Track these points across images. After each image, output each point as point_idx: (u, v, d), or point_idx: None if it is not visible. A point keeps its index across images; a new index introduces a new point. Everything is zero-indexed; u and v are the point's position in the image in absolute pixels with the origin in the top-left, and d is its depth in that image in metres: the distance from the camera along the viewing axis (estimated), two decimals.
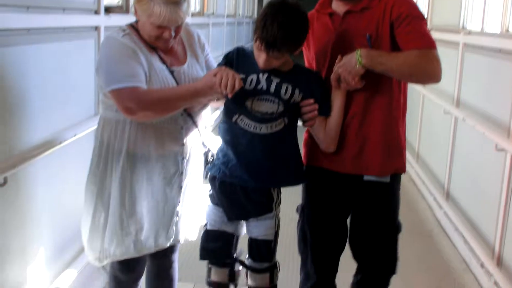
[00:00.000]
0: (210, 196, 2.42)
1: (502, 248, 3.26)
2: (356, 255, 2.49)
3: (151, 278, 2.57)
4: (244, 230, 2.44)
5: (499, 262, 3.28)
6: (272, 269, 2.42)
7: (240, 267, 2.45)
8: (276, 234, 2.40)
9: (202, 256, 2.43)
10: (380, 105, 2.28)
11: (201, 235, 2.43)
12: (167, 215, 2.31)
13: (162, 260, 2.54)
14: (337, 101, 2.27)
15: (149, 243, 2.30)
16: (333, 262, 2.53)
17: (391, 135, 2.32)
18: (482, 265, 3.47)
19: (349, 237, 2.48)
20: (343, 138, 2.31)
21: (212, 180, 2.37)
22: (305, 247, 2.52)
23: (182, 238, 2.42)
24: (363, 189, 2.35)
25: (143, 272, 2.49)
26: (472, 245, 3.70)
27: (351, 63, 2.16)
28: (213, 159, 2.40)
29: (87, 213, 2.30)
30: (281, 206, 2.39)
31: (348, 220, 2.49)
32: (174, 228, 2.34)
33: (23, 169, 2.42)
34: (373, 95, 2.27)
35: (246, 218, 2.39)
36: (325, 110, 2.28)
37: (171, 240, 2.36)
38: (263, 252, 2.40)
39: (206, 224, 2.43)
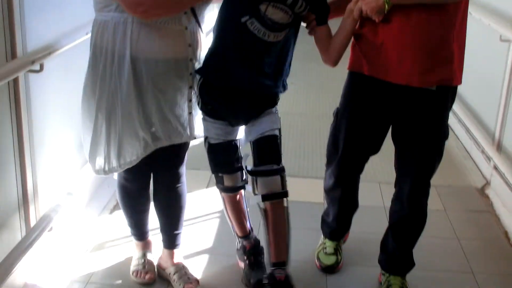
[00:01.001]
0: (204, 110, 2.33)
1: (502, 134, 3.46)
2: (398, 162, 2.44)
3: (157, 194, 2.55)
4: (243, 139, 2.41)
5: (499, 147, 3.49)
6: (282, 172, 2.34)
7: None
8: (280, 130, 2.34)
9: (214, 170, 2.45)
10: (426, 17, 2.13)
11: (206, 150, 2.40)
12: (178, 114, 2.27)
13: (170, 172, 2.50)
14: (349, 26, 2.24)
15: (161, 140, 2.28)
16: (360, 165, 2.54)
17: (435, 42, 2.16)
18: (482, 151, 3.68)
19: (394, 144, 2.41)
20: (384, 45, 2.20)
21: (207, 88, 2.27)
22: (334, 152, 2.49)
23: (197, 135, 2.38)
24: (406, 97, 2.26)
25: (149, 182, 2.50)
26: (473, 133, 3.89)
27: (378, 3, 2.10)
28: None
29: (87, 124, 2.25)
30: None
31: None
32: (187, 125, 2.32)
33: (58, 57, 2.52)
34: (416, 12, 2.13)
35: (248, 121, 2.34)
36: (321, 20, 2.27)
37: (186, 136, 2.33)
38: (271, 150, 2.33)
39: (207, 138, 2.37)
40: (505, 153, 3.40)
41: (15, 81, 2.29)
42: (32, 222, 2.47)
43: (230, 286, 2.60)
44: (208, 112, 2.32)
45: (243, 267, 2.62)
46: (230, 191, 2.51)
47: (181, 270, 2.56)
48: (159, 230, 2.64)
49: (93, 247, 2.86)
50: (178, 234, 2.62)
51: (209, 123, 2.34)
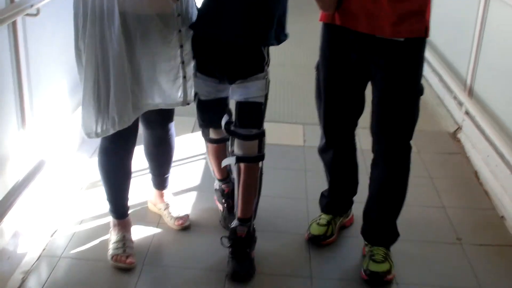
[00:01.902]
0: (197, 65, 2.31)
1: (474, 80, 3.64)
2: (375, 123, 2.37)
3: (149, 146, 2.59)
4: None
5: (470, 92, 3.67)
6: (261, 137, 2.36)
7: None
8: (266, 97, 2.33)
9: (203, 126, 2.52)
10: None
11: (196, 104, 2.39)
12: (170, 76, 2.26)
13: (159, 129, 2.53)
14: None
15: (149, 104, 2.27)
16: (345, 124, 2.48)
17: None
18: (454, 97, 3.87)
19: (371, 102, 2.35)
20: None
21: (198, 41, 2.27)
22: (320, 105, 2.47)
23: (191, 100, 2.37)
24: (377, 48, 2.23)
25: (134, 145, 2.41)
26: (446, 80, 4.07)
27: None
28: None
29: (82, 85, 2.19)
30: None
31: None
32: (182, 89, 2.31)
33: (54, 2, 2.59)
34: None
35: (235, 79, 2.29)
36: None
37: (180, 100, 2.33)
38: (253, 115, 2.33)
39: (196, 95, 2.36)
40: (476, 98, 3.59)
41: (14, 24, 2.38)
42: (29, 162, 2.58)
43: (217, 220, 2.75)
44: (200, 67, 2.30)
45: (221, 209, 2.73)
46: (215, 142, 2.58)
47: (170, 206, 2.72)
48: (147, 171, 2.75)
49: (86, 187, 2.97)
50: (167, 176, 2.74)
51: (200, 80, 2.32)
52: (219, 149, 2.61)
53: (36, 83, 2.62)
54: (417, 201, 2.90)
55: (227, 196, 2.71)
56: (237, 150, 2.37)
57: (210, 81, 2.31)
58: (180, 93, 2.31)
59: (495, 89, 3.38)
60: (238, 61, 2.26)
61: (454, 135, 3.73)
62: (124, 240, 2.47)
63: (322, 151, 2.59)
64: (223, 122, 2.38)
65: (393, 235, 2.48)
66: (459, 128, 3.74)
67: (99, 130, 2.20)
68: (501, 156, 3.07)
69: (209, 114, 2.43)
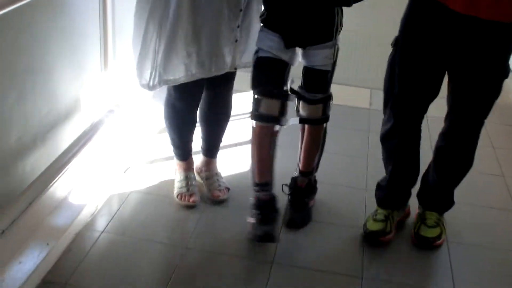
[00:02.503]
0: (265, 20, 2.26)
1: None
2: (451, 96, 2.28)
3: (206, 106, 2.54)
4: (298, 60, 2.32)
5: None
6: (326, 100, 2.35)
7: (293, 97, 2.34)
8: (334, 64, 2.30)
9: (255, 85, 2.28)
10: None
11: (253, 64, 2.28)
12: (226, 38, 2.25)
13: (218, 88, 2.49)
14: None
15: (205, 68, 2.27)
16: (417, 108, 2.34)
17: None
18: None
19: (448, 84, 2.27)
20: None
21: (272, 1, 2.23)
22: (391, 85, 2.31)
23: (240, 64, 2.35)
24: (471, 30, 2.08)
25: (199, 101, 2.47)
26: None
27: None
28: None
29: (137, 34, 2.21)
30: None
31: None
32: (232, 53, 2.29)
33: None
34: None
35: (304, 45, 2.26)
36: None
37: (229, 65, 2.31)
38: (319, 82, 2.32)
39: (257, 51, 2.27)
40: None
41: None
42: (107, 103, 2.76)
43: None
44: (269, 23, 2.24)
45: (252, 221, 2.36)
46: (264, 119, 2.29)
47: (213, 177, 2.65)
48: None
49: (158, 131, 3.08)
50: (219, 144, 2.69)
51: (264, 33, 2.25)
52: (266, 133, 2.33)
53: (119, 29, 2.80)
54: (476, 167, 2.90)
55: (263, 206, 2.36)
56: (302, 111, 2.39)
57: (274, 36, 2.22)
58: (230, 57, 2.30)
59: None
60: (309, 25, 2.21)
61: None
62: (188, 179, 2.59)
63: (387, 137, 2.41)
64: (288, 84, 2.32)
65: (449, 203, 2.48)
66: None
67: (151, 83, 2.25)
68: None
69: (266, 73, 2.27)
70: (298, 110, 2.41)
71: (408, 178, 2.48)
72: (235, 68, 2.36)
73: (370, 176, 2.84)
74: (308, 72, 2.31)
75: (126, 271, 2.20)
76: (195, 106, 2.48)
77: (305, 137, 2.49)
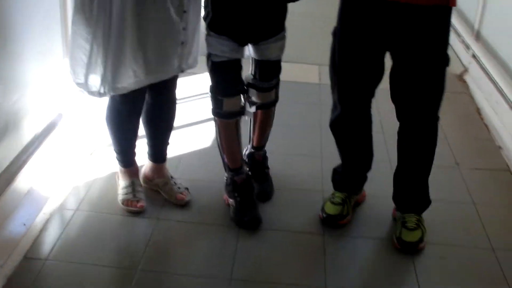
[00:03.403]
0: (211, 24, 2.26)
1: (481, 24, 3.86)
2: (394, 94, 2.30)
3: (150, 110, 2.47)
4: (246, 52, 2.36)
5: (478, 36, 3.90)
6: (277, 83, 2.48)
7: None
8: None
9: (215, 89, 2.36)
10: None
11: (208, 69, 2.33)
12: (173, 41, 2.23)
13: (162, 91, 2.44)
14: None
15: (153, 72, 2.24)
16: (362, 93, 2.36)
17: None
18: (462, 41, 4.09)
19: (390, 73, 2.29)
20: None
21: (219, 3, 2.24)
22: (334, 74, 2.36)
23: (185, 67, 2.34)
24: (403, 15, 2.13)
25: (142, 106, 2.42)
26: (454, 24, 4.28)
27: None
28: None
29: (81, 43, 2.15)
30: None
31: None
32: (179, 55, 2.27)
33: None
34: None
35: (258, 41, 2.31)
36: None
37: (176, 68, 2.30)
38: (274, 71, 2.43)
39: (210, 56, 2.30)
40: (483, 41, 3.81)
41: None
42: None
43: (218, 220, 2.54)
44: (216, 27, 2.26)
45: (233, 203, 2.50)
46: (228, 116, 2.41)
47: (170, 181, 2.59)
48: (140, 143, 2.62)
49: (96, 151, 2.96)
50: (166, 148, 2.63)
51: (214, 38, 2.27)
52: (232, 127, 2.46)
53: None
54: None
55: (241, 189, 2.50)
56: (256, 99, 2.46)
57: (224, 40, 2.25)
58: (177, 60, 2.28)
59: (501, 33, 3.60)
60: (262, 21, 2.27)
61: (460, 77, 3.97)
62: (134, 185, 2.51)
63: (336, 123, 2.45)
64: (247, 78, 2.42)
65: (425, 202, 2.45)
66: (466, 70, 3.98)
67: (102, 90, 2.20)
68: (502, 94, 3.31)
69: (223, 77, 2.34)
70: (249, 98, 2.46)
71: (362, 163, 2.55)
72: (182, 71, 2.35)
73: (325, 145, 3.02)
74: (262, 64, 2.39)
75: (102, 241, 2.32)
76: (139, 110, 2.42)
77: (258, 120, 2.61)
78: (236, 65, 2.34)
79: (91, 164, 2.83)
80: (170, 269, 2.24)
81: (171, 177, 2.63)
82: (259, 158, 2.72)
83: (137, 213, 2.47)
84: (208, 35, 2.29)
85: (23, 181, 2.50)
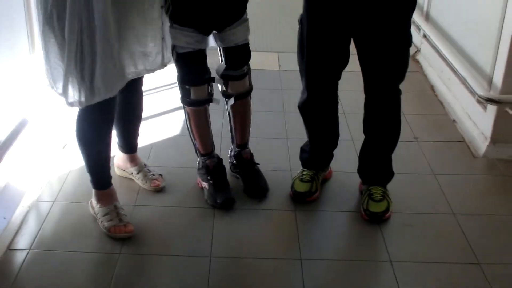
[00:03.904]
0: (173, 16, 2.28)
1: (429, 5, 4.04)
2: (364, 71, 2.41)
3: (120, 105, 2.37)
4: (211, 41, 2.38)
5: (427, 17, 4.07)
6: (249, 72, 2.50)
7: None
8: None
9: (182, 82, 2.43)
10: None
11: (174, 60, 2.38)
12: (154, 37, 2.24)
13: (134, 91, 2.46)
14: None
15: (138, 70, 2.24)
16: (329, 77, 2.46)
17: None
18: (413, 22, 4.26)
19: (358, 54, 2.38)
20: None
21: None
22: (302, 60, 2.44)
23: (167, 61, 2.36)
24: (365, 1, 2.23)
25: (115, 109, 2.31)
26: None
27: None
28: None
29: (54, 51, 2.07)
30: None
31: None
32: (161, 51, 2.28)
33: None
34: None
35: (221, 28, 2.34)
36: None
37: (159, 63, 2.31)
38: (243, 56, 2.44)
39: (174, 47, 2.33)
40: (432, 22, 3.99)
41: None
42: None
43: (194, 203, 2.62)
44: (179, 18, 2.28)
45: (207, 187, 2.59)
46: (197, 104, 2.48)
47: (143, 168, 2.64)
48: None
49: (68, 144, 2.97)
50: (137, 138, 2.65)
51: (177, 30, 2.29)
52: (201, 114, 2.53)
53: None
54: None
55: (213, 172, 2.60)
56: (231, 90, 2.48)
57: (189, 31, 2.29)
58: (159, 56, 2.29)
59: (448, 12, 3.78)
60: (224, 7, 2.31)
61: (413, 57, 4.14)
62: (117, 209, 2.37)
63: (304, 106, 2.55)
64: (218, 72, 2.45)
65: (389, 173, 2.59)
66: (418, 51, 4.15)
67: (83, 99, 2.11)
68: (453, 70, 3.47)
69: (189, 68, 2.39)
70: (225, 92, 2.50)
71: (328, 142, 2.66)
72: (165, 65, 2.35)
73: (289, 127, 3.18)
74: (231, 51, 2.40)
75: (81, 229, 2.39)
76: (112, 118, 2.31)
77: (237, 114, 2.59)
78: (201, 55, 2.38)
79: (64, 157, 2.87)
80: (152, 251, 2.31)
81: (145, 164, 2.67)
82: (246, 156, 2.69)
83: (128, 237, 2.33)
84: (171, 27, 2.30)
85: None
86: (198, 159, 2.65)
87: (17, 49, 2.75)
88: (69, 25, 1.99)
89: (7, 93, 2.70)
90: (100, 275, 2.18)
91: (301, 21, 2.41)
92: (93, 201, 2.43)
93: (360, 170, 2.64)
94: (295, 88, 2.78)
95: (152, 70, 2.31)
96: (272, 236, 2.43)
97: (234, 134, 2.68)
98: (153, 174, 2.64)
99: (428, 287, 2.17)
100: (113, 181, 2.47)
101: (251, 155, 2.71)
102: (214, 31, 2.36)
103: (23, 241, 2.32)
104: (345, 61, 2.42)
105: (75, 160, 2.82)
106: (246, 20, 2.40)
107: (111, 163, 2.48)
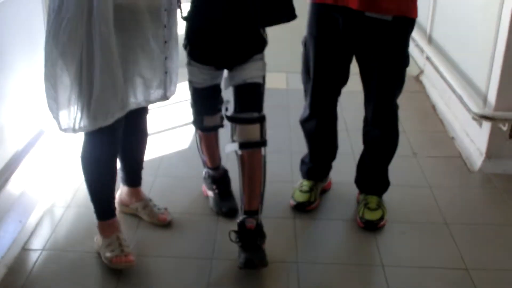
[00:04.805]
0: (191, 54, 2.33)
1: (432, 29, 4.19)
2: (364, 88, 2.55)
3: (125, 136, 2.34)
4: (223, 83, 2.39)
5: (430, 40, 4.22)
6: (262, 121, 2.30)
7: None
8: (264, 78, 2.32)
9: (196, 113, 2.51)
10: None
11: (190, 92, 2.46)
12: (158, 71, 2.22)
13: (138, 120, 2.42)
14: None
15: (132, 103, 2.20)
16: (332, 95, 2.61)
17: None
18: (416, 45, 4.41)
19: (359, 70, 2.52)
20: None
21: (195, 33, 2.28)
22: (308, 81, 2.58)
23: (169, 94, 2.33)
24: (365, 27, 2.35)
25: (119, 140, 2.29)
26: None
27: None
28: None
29: (52, 75, 2.06)
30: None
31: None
32: (163, 84, 2.27)
33: None
34: None
35: (234, 65, 2.29)
36: None
37: (161, 96, 2.29)
38: (252, 97, 2.30)
39: (191, 82, 2.41)
40: (434, 44, 4.13)
41: None
42: None
43: (199, 210, 2.74)
44: (196, 56, 2.33)
45: (212, 195, 2.70)
46: (208, 130, 2.58)
47: (149, 203, 2.60)
48: None
49: None
50: (141, 171, 2.61)
51: (195, 68, 2.35)
52: (212, 138, 2.64)
53: None
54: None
55: (219, 181, 2.70)
56: (239, 137, 2.30)
57: (205, 69, 2.33)
58: (161, 89, 2.28)
59: (449, 36, 3.92)
60: (237, 46, 2.27)
61: (417, 78, 4.28)
62: (119, 240, 2.33)
63: (305, 121, 2.70)
64: (223, 110, 2.39)
65: (385, 184, 2.72)
66: (422, 72, 4.29)
67: (77, 126, 2.10)
68: (453, 90, 3.60)
69: (204, 101, 2.47)
70: (232, 137, 2.34)
71: (327, 154, 2.79)
72: (167, 98, 2.33)
73: (294, 142, 3.31)
74: (241, 89, 2.29)
75: (92, 232, 2.47)
76: (117, 147, 2.30)
77: (246, 171, 2.35)
78: (216, 89, 2.45)
79: (77, 167, 3.01)
80: (157, 252, 2.45)
81: (150, 199, 2.62)
82: (250, 226, 2.34)
83: (129, 267, 2.31)
84: (188, 64, 2.37)
85: (16, 184, 2.70)
86: (205, 169, 2.76)
87: (35, 60, 2.88)
88: (71, 56, 2.01)
89: (26, 104, 2.87)
90: (107, 276, 2.32)
91: (305, 44, 2.54)
92: (97, 232, 2.40)
93: (357, 180, 2.77)
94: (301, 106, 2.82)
95: (152, 102, 2.30)
96: (271, 240, 2.48)
97: (242, 195, 2.38)
98: (158, 209, 2.60)
99: None
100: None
101: (260, 228, 2.37)
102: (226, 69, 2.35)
103: (37, 242, 2.48)
104: (346, 78, 2.57)
105: None
106: (260, 60, 2.31)
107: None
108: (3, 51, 2.64)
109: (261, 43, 2.31)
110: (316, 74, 2.53)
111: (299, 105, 2.91)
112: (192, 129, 2.76)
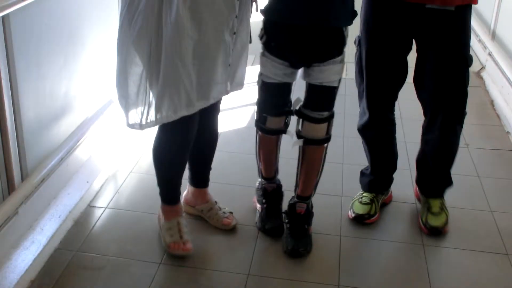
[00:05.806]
0: (266, 45, 2.23)
1: (496, 25, 4.19)
2: (420, 93, 2.42)
3: (198, 135, 2.29)
4: (298, 76, 2.29)
5: (494, 36, 4.22)
6: (330, 119, 2.28)
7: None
8: (340, 80, 2.25)
9: (260, 110, 2.36)
10: None
11: (258, 86, 2.33)
12: (223, 63, 2.12)
13: (206, 114, 2.28)
14: None
15: (206, 97, 2.13)
16: (388, 97, 2.48)
17: None
18: (479, 40, 4.42)
19: (414, 74, 2.40)
20: None
21: (273, 26, 2.20)
22: (361, 81, 2.46)
23: (232, 88, 2.24)
24: (426, 18, 2.23)
25: (195, 131, 2.24)
26: (473, 25, 4.58)
27: None
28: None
29: (124, 69, 2.07)
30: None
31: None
32: (226, 78, 2.17)
33: None
34: None
35: (311, 63, 2.20)
36: None
37: (225, 91, 2.20)
38: (326, 100, 2.25)
39: (261, 75, 2.30)
40: (498, 41, 4.13)
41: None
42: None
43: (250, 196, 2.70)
44: (271, 48, 2.23)
45: (260, 209, 2.56)
46: (270, 133, 2.41)
47: (214, 206, 2.53)
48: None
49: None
50: (209, 172, 2.56)
51: (268, 60, 2.25)
52: (272, 142, 2.47)
53: None
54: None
55: (269, 196, 2.55)
56: (305, 132, 2.31)
57: (279, 63, 2.24)
58: (225, 82, 2.19)
59: None
60: (318, 44, 2.17)
61: (478, 74, 4.29)
62: (179, 226, 2.35)
63: (365, 128, 2.56)
64: (294, 106, 2.32)
65: (448, 184, 2.60)
66: (483, 68, 4.30)
67: (144, 122, 2.11)
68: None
69: (271, 98, 2.33)
70: (298, 132, 2.34)
71: (388, 165, 2.66)
72: (227, 93, 2.25)
73: (346, 152, 3.14)
74: (314, 89, 2.24)
75: (151, 197, 2.58)
76: (192, 139, 2.25)
77: (305, 160, 2.39)
78: (286, 88, 2.31)
79: (141, 136, 3.17)
80: (191, 264, 2.33)
81: (216, 201, 2.56)
82: (300, 210, 2.43)
83: (186, 256, 2.32)
84: (262, 55, 2.27)
85: (84, 149, 2.90)
86: (259, 180, 2.61)
87: (107, 38, 3.05)
88: (139, 49, 2.01)
89: (97, 77, 3.07)
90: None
91: (359, 42, 2.42)
92: (160, 215, 2.44)
93: (419, 181, 2.67)
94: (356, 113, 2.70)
95: (218, 98, 2.23)
96: (313, 259, 2.39)
97: (298, 180, 2.46)
98: (224, 212, 2.53)
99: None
100: None
101: (308, 212, 2.45)
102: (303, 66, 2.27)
103: (101, 201, 2.70)
104: (403, 79, 2.44)
105: (150, 140, 3.16)
106: (341, 62, 2.23)
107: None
108: (79, 26, 2.84)
109: (341, 42, 2.21)
110: (371, 72, 2.40)
111: (355, 112, 2.67)
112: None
